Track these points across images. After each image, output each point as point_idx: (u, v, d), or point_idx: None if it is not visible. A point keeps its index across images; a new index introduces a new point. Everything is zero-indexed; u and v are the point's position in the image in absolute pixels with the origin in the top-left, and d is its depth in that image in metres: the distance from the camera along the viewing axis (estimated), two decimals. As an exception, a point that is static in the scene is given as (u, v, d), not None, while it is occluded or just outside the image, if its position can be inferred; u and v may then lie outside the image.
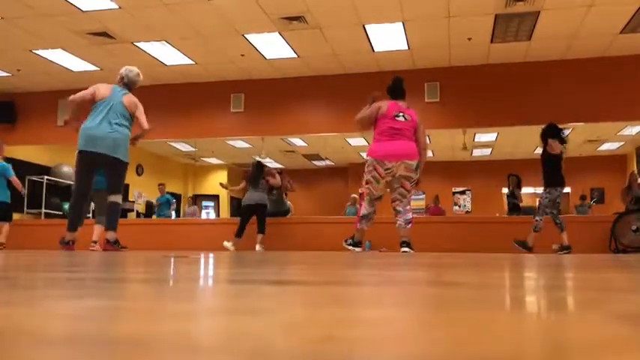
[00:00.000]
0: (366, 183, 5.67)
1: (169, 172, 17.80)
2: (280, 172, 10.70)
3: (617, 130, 13.69)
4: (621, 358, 0.36)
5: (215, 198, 19.13)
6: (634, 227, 8.08)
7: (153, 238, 9.55)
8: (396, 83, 5.85)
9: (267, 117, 10.54)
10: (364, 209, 5.76)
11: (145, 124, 5.55)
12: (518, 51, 9.22)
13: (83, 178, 5.43)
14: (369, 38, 8.69)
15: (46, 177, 12.67)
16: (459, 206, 18.36)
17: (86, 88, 5.60)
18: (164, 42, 9.00)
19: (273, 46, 9.07)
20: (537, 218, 7.40)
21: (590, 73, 9.37)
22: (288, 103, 10.47)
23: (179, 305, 0.69)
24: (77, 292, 0.86)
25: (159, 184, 13.36)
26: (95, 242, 6.65)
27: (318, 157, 17.74)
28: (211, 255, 3.99)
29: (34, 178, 12.51)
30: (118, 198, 5.46)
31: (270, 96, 10.49)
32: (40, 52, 9.47)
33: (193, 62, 9.87)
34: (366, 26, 8.29)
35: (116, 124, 5.32)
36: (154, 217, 13.04)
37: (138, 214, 15.17)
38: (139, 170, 16.67)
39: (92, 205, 8.73)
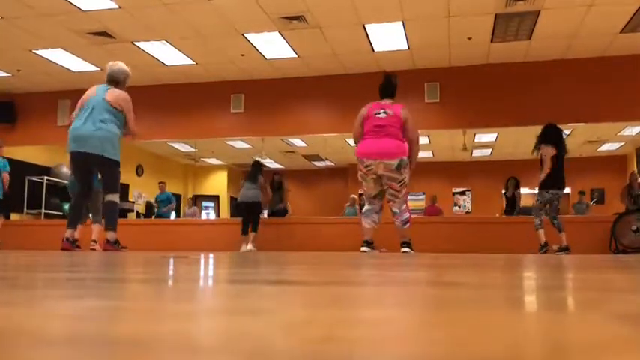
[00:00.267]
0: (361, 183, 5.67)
1: (169, 173, 17.79)
2: (279, 173, 10.73)
3: (617, 130, 13.69)
4: (621, 358, 0.36)
5: (215, 198, 19.13)
6: (634, 227, 8.08)
7: (153, 239, 9.55)
8: (383, 82, 5.70)
9: (267, 117, 10.54)
10: (364, 208, 5.75)
11: (132, 125, 5.42)
12: (518, 51, 9.22)
13: (78, 179, 5.40)
14: (369, 38, 8.69)
15: (45, 177, 12.67)
16: (459, 207, 18.36)
17: (87, 89, 5.59)
18: (164, 42, 9.00)
19: (273, 46, 9.07)
20: (534, 221, 7.42)
21: (590, 73, 9.38)
22: (288, 103, 10.47)
23: (179, 305, 0.69)
24: (77, 292, 0.86)
25: (159, 182, 13.36)
26: (95, 241, 6.65)
27: (318, 158, 17.74)
28: (211, 255, 3.99)
29: (34, 178, 12.51)
30: (114, 197, 5.38)
31: (270, 96, 10.49)
32: (40, 52, 9.47)
33: (193, 62, 9.87)
34: (366, 26, 8.29)
35: (101, 121, 5.17)
36: (154, 217, 13.03)
37: (138, 215, 15.17)
38: (139, 171, 16.67)
39: None
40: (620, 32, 8.43)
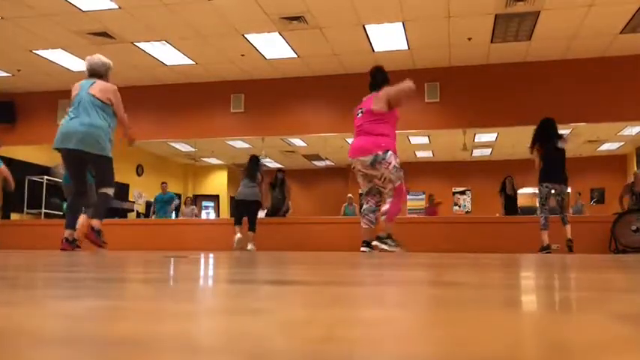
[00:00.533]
0: None
1: (169, 172, 17.79)
2: (283, 170, 10.73)
3: (617, 130, 13.69)
4: (621, 358, 0.36)
5: (215, 198, 19.13)
6: (634, 227, 8.08)
7: (153, 239, 9.55)
8: (370, 76, 5.59)
9: (267, 117, 10.54)
10: (363, 207, 5.67)
11: (122, 116, 5.25)
12: (518, 51, 9.22)
13: (71, 176, 5.29)
14: (369, 38, 8.69)
15: (45, 177, 12.67)
16: (459, 206, 18.36)
17: None
18: (164, 42, 9.01)
19: (273, 46, 9.07)
20: (540, 220, 7.30)
21: (590, 73, 9.38)
22: (288, 103, 10.47)
23: (179, 305, 0.69)
24: (77, 292, 0.86)
25: (162, 183, 13.36)
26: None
27: (318, 158, 17.74)
28: (211, 255, 3.99)
29: (34, 178, 12.51)
30: (108, 190, 5.25)
31: (270, 96, 10.49)
32: (40, 52, 9.47)
33: (193, 62, 9.87)
34: (366, 26, 8.29)
35: (87, 117, 5.00)
36: (153, 217, 13.02)
37: (138, 214, 15.18)
38: (139, 170, 16.68)
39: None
40: (620, 32, 8.43)
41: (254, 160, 8.86)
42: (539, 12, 7.75)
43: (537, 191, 7.33)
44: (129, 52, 9.32)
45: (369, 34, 8.55)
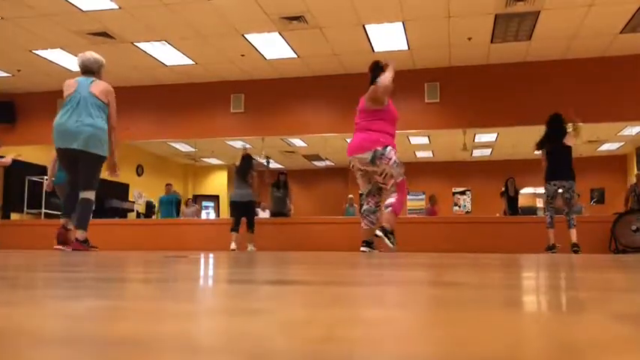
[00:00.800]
0: None
1: (169, 173, 17.80)
2: (285, 172, 10.76)
3: (617, 130, 13.69)
4: (621, 358, 0.36)
5: (215, 198, 19.13)
6: (634, 227, 8.08)
7: (153, 239, 9.55)
8: (369, 72, 5.48)
9: (267, 117, 10.54)
10: (362, 207, 5.61)
11: (113, 118, 5.12)
12: (518, 51, 9.22)
13: (71, 173, 5.15)
14: (369, 38, 8.69)
15: (45, 177, 12.66)
16: (459, 206, 18.37)
17: None
18: (164, 42, 9.01)
19: (273, 46, 9.07)
20: (546, 218, 7.24)
21: (590, 73, 9.38)
22: (288, 103, 10.47)
23: (179, 305, 0.69)
24: (77, 292, 0.86)
25: (166, 184, 13.37)
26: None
27: (318, 158, 17.74)
28: (211, 255, 3.99)
29: (34, 178, 12.51)
30: (89, 194, 5.07)
31: (270, 96, 10.50)
32: (40, 52, 9.47)
33: (193, 62, 9.87)
34: (366, 26, 8.29)
35: (88, 116, 4.92)
36: (154, 217, 13.02)
37: (138, 215, 15.18)
38: (139, 170, 16.68)
39: None
40: (620, 32, 8.43)
41: (246, 159, 8.73)
42: (539, 12, 7.75)
43: (544, 190, 7.24)
44: (129, 52, 9.32)
45: (369, 34, 8.56)
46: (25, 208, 12.29)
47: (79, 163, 5.05)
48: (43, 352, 0.38)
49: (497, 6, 7.59)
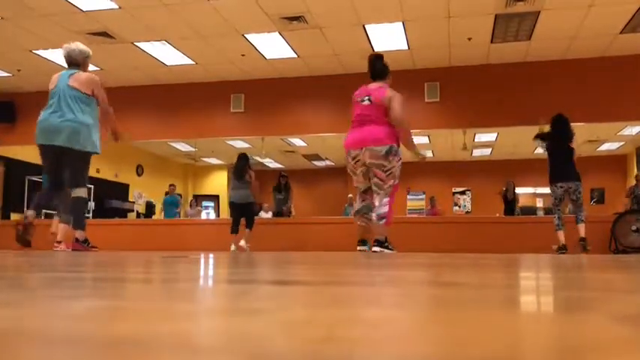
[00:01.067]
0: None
1: (169, 172, 17.80)
2: (286, 174, 10.78)
3: (617, 130, 13.70)
4: (622, 359, 0.36)
5: (215, 198, 19.13)
6: (634, 227, 8.08)
7: (153, 239, 9.55)
8: (369, 63, 5.29)
9: (267, 117, 10.54)
10: (355, 205, 5.40)
11: (106, 108, 4.94)
12: (518, 51, 9.22)
13: (47, 172, 4.95)
14: (369, 38, 8.70)
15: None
16: (459, 206, 18.37)
17: None
18: (164, 42, 9.01)
19: (273, 46, 9.07)
20: (554, 220, 7.14)
21: (590, 73, 9.38)
22: (288, 103, 10.47)
23: (179, 305, 0.69)
24: (77, 292, 0.86)
25: (170, 185, 13.38)
26: (59, 242, 6.35)
27: (318, 158, 17.74)
28: (211, 255, 3.99)
29: (34, 178, 12.51)
30: (80, 192, 4.91)
31: (270, 96, 10.50)
32: (40, 52, 9.47)
33: (193, 62, 9.87)
34: (366, 26, 8.29)
35: (70, 111, 4.73)
36: (153, 217, 13.03)
37: (138, 215, 15.18)
38: (139, 170, 16.68)
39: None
40: (620, 32, 8.43)
41: (243, 159, 8.65)
42: (539, 12, 7.75)
43: (550, 191, 7.09)
44: (129, 52, 9.32)
45: (369, 34, 8.56)
46: (25, 208, 12.29)
47: (66, 162, 4.90)
48: (43, 352, 0.38)
49: (497, 6, 7.59)
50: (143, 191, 16.48)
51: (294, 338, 0.43)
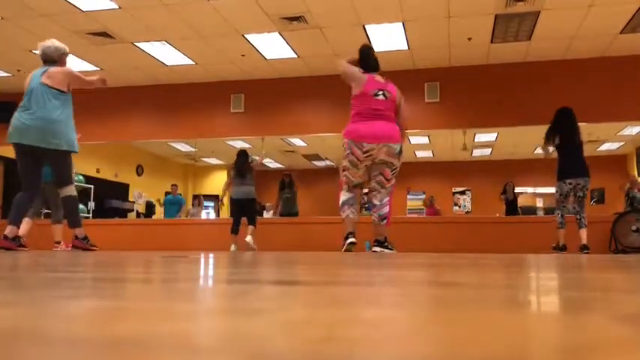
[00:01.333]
0: (344, 170, 5.07)
1: (169, 172, 17.80)
2: (290, 174, 10.80)
3: (617, 130, 13.70)
4: (622, 359, 0.36)
5: (215, 198, 19.13)
6: (634, 227, 8.08)
7: (153, 239, 9.55)
8: (365, 51, 5.17)
9: (267, 117, 10.54)
10: (342, 196, 5.17)
11: (88, 81, 4.85)
12: (518, 51, 9.22)
13: (21, 173, 4.88)
14: (369, 38, 8.69)
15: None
16: (459, 206, 18.37)
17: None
18: (164, 42, 9.01)
19: (273, 46, 9.07)
20: (556, 218, 7.11)
21: (590, 73, 9.38)
22: (288, 103, 10.47)
23: (179, 305, 0.69)
24: (77, 292, 0.86)
25: (172, 185, 13.39)
26: (59, 242, 6.38)
27: (318, 157, 17.74)
28: (211, 255, 3.99)
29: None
30: (69, 190, 4.89)
31: (270, 96, 10.50)
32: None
33: (193, 62, 9.87)
34: (366, 26, 8.29)
35: (42, 110, 4.64)
36: (153, 216, 13.04)
37: (138, 215, 15.18)
38: (139, 170, 16.68)
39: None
40: (620, 32, 8.43)
41: (243, 156, 8.62)
42: (539, 12, 7.75)
43: (556, 188, 7.04)
44: (129, 52, 9.32)
45: (369, 34, 8.55)
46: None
47: (46, 162, 4.84)
48: (43, 352, 0.38)
49: (497, 6, 7.60)
50: (143, 191, 16.48)
51: (294, 338, 0.43)
